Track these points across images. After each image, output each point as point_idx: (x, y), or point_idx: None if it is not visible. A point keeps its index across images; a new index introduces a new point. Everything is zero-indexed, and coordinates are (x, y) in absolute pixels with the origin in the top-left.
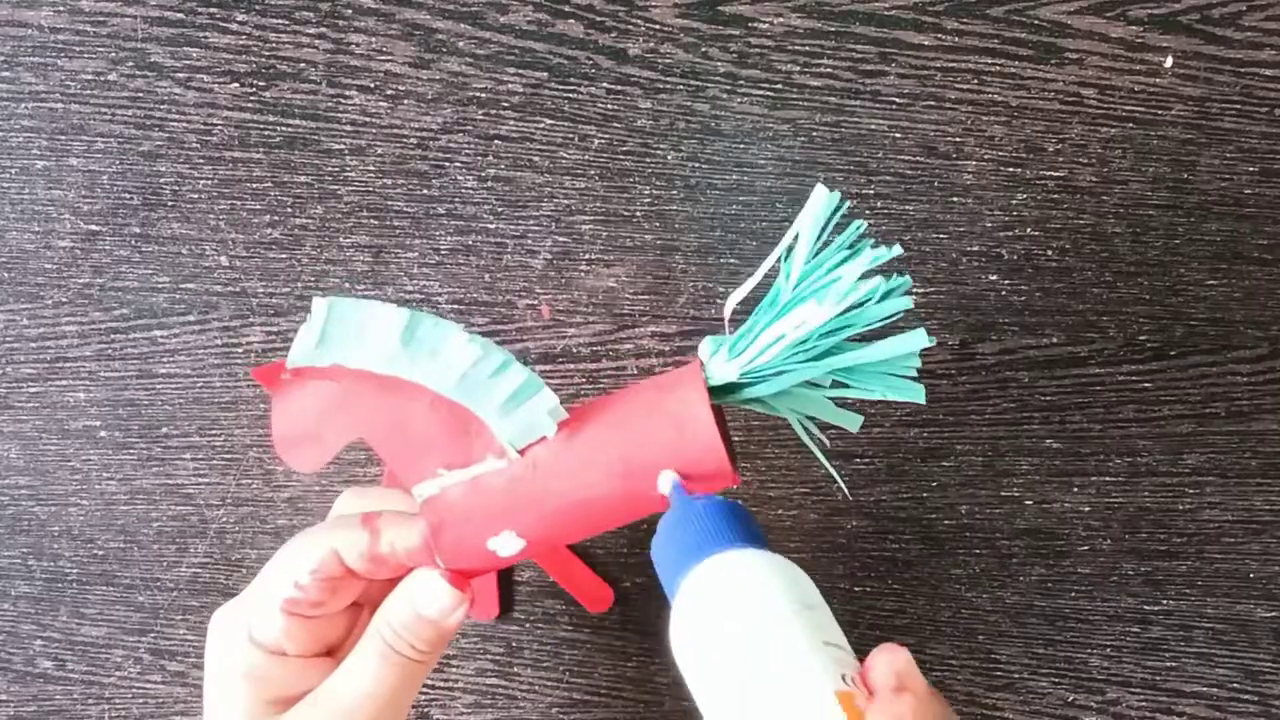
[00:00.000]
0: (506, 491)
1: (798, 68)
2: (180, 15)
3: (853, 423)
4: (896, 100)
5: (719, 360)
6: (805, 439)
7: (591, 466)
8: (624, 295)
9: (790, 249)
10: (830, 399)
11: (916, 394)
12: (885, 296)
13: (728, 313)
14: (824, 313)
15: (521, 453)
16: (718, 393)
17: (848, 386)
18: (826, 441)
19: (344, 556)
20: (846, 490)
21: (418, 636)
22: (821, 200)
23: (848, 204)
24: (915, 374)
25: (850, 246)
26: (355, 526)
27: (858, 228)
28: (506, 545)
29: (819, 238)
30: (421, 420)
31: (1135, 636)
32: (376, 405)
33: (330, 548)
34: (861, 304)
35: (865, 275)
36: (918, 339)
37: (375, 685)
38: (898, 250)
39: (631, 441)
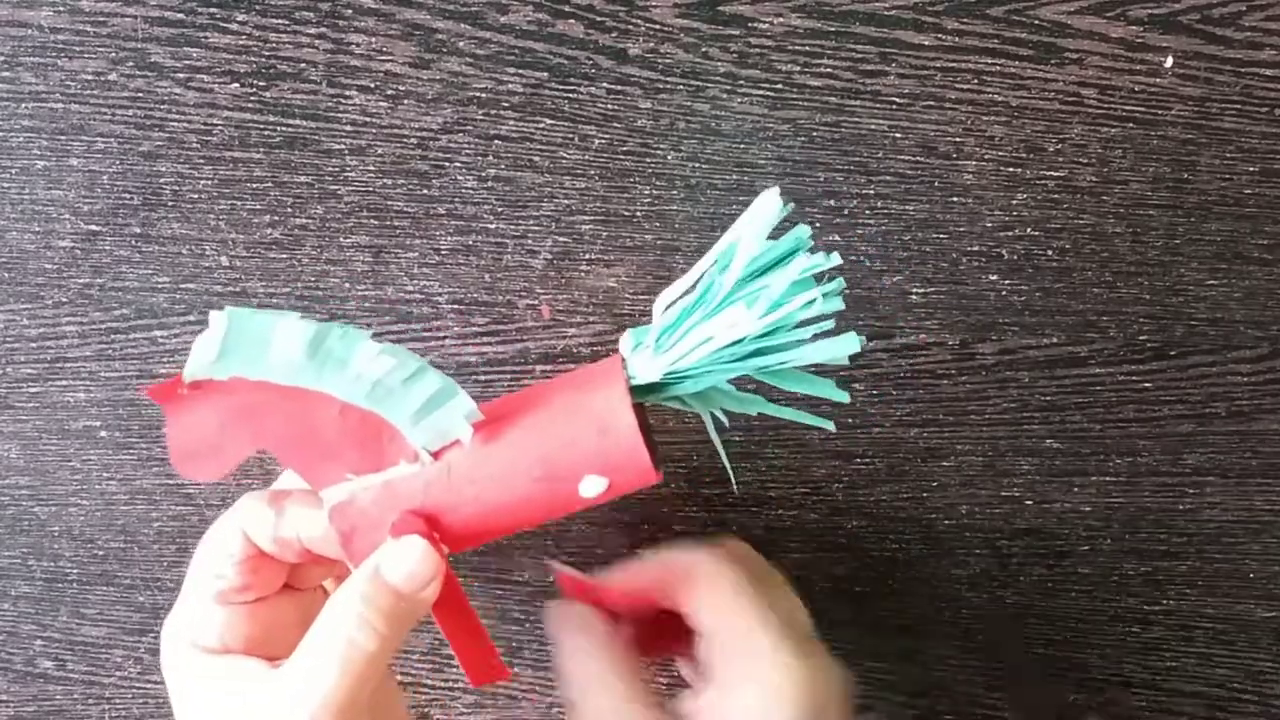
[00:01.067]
0: (421, 496)
1: (798, 68)
2: (180, 15)
3: (827, 423)
4: (896, 100)
5: (642, 357)
6: (713, 434)
7: (509, 470)
8: (624, 295)
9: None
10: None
11: (839, 394)
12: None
13: (659, 310)
14: (755, 319)
15: (436, 456)
16: (639, 391)
17: (769, 385)
18: (726, 422)
19: (253, 537)
20: (735, 483)
21: (379, 611)
22: (767, 207)
23: (791, 207)
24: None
25: (792, 251)
26: (263, 504)
27: (801, 234)
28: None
29: (761, 243)
30: (330, 428)
31: (1135, 636)
32: (280, 415)
33: (240, 529)
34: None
35: (801, 282)
36: (848, 343)
37: (323, 682)
38: (835, 259)
39: (551, 445)
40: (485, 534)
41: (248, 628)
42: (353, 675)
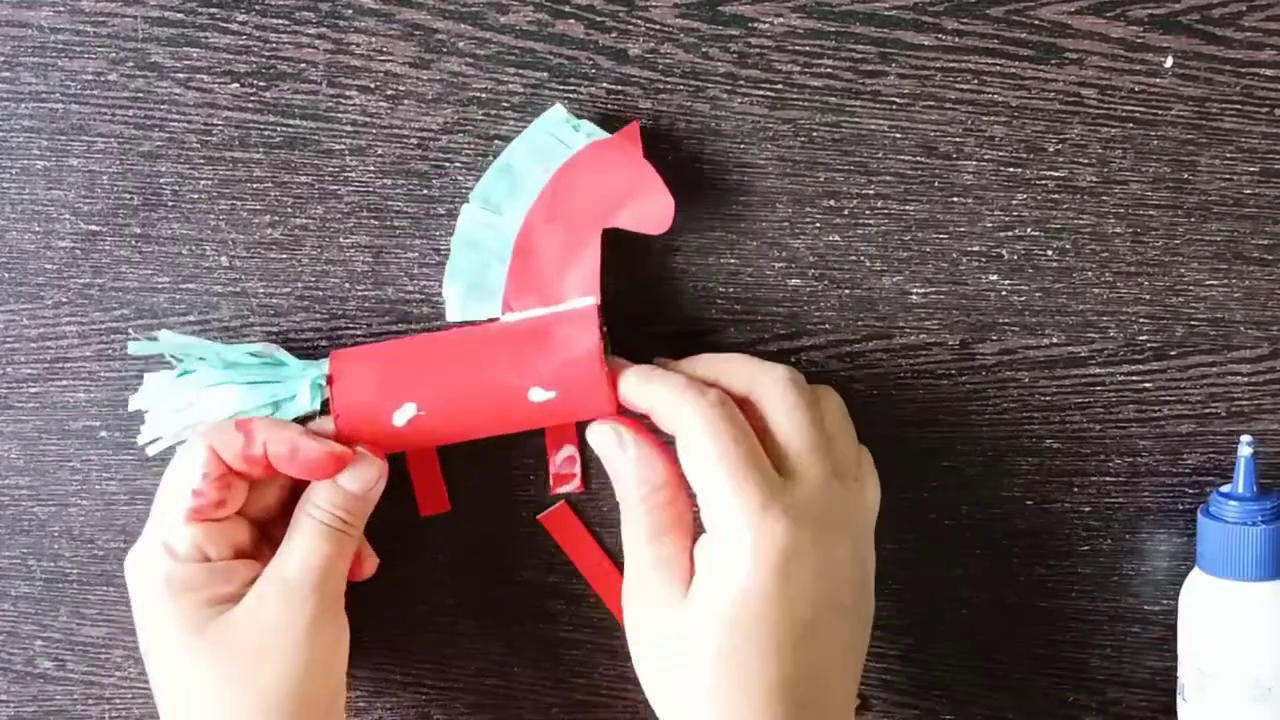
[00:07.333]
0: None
1: (798, 68)
2: (180, 15)
3: None
4: (896, 100)
5: None
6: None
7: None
8: (624, 295)
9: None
10: None
11: None
12: None
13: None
14: None
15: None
16: None
17: None
18: None
19: (222, 455)
20: None
21: (343, 509)
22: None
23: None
24: None
25: None
26: (229, 430)
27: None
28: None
29: None
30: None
31: (1135, 636)
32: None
33: (209, 447)
34: None
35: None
36: None
37: (312, 555)
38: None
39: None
40: (458, 417)
41: (219, 544)
42: (331, 544)
